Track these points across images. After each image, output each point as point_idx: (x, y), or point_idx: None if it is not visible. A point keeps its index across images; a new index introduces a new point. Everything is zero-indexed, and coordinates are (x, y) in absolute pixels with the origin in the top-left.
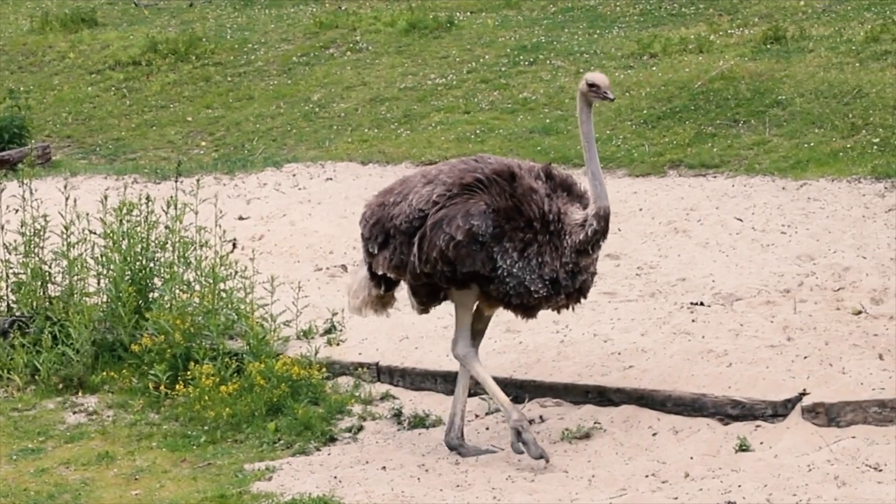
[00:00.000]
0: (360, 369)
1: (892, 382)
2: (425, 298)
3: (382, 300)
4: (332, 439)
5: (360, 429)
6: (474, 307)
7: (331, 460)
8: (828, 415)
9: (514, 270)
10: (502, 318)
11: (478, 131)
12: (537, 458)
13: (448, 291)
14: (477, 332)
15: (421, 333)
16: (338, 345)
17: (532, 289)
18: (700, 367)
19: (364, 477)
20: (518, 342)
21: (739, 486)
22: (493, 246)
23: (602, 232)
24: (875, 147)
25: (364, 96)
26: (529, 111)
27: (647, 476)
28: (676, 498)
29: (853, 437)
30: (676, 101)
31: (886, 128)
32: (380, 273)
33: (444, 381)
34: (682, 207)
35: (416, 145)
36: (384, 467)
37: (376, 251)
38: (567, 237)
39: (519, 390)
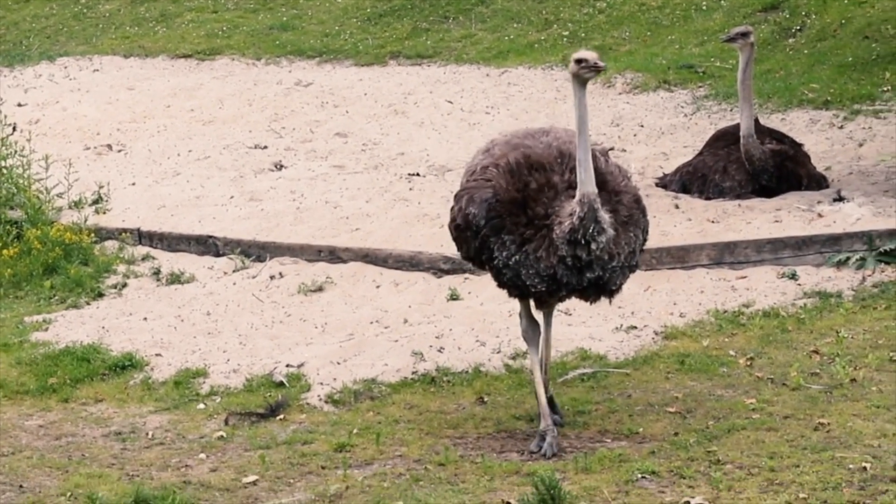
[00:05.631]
0: (123, 234)
1: None
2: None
3: None
4: (101, 295)
5: (125, 285)
6: None
7: (99, 313)
8: None
9: (511, 263)
10: (247, 188)
11: (224, 28)
12: (550, 457)
13: None
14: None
15: (177, 203)
16: (104, 213)
17: (528, 283)
18: (417, 229)
19: (128, 327)
20: (260, 209)
21: (451, 329)
22: (490, 236)
23: (590, 219)
24: (565, 39)
25: None
26: (269, 10)
27: (371, 322)
28: (396, 341)
29: None
30: (396, 1)
31: (574, 22)
32: None
33: (195, 244)
34: (400, 92)
35: (171, 41)
36: (145, 318)
37: None
38: (557, 229)
39: (262, 251)
